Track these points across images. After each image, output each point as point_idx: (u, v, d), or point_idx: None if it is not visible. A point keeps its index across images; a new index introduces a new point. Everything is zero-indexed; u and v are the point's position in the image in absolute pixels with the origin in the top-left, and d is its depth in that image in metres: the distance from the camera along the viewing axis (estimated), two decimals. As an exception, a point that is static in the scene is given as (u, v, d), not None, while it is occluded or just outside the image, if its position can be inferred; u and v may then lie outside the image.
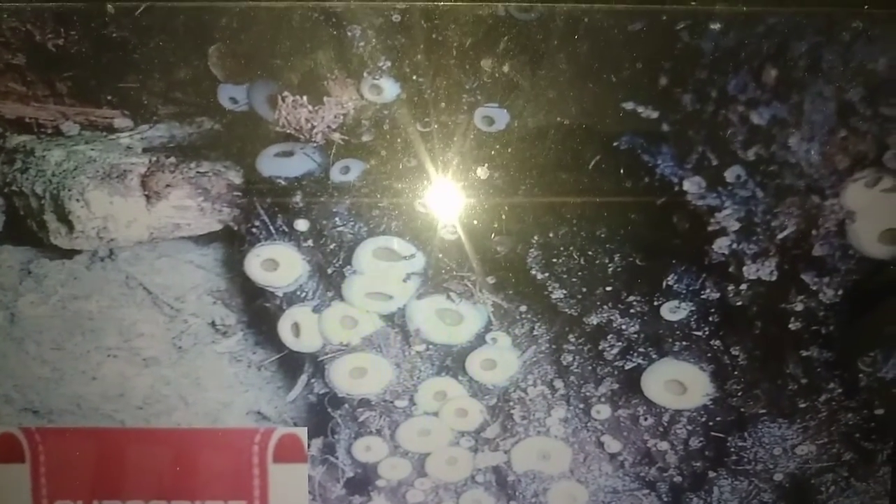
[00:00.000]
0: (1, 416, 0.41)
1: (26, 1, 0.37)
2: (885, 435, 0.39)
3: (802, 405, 0.39)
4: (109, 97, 0.38)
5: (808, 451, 0.40)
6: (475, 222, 0.38)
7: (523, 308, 0.39)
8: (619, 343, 0.39)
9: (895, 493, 0.40)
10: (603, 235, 0.38)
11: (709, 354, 0.39)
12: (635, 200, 0.37)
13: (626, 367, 0.39)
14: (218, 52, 0.37)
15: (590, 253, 0.38)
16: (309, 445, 0.41)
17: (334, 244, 0.39)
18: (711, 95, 0.36)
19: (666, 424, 0.40)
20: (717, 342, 0.39)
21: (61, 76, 0.38)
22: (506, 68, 0.37)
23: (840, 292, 0.37)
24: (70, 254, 0.40)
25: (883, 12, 0.35)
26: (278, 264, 0.39)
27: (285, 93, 0.37)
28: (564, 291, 0.38)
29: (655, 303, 0.38)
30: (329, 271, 0.39)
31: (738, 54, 0.36)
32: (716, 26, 0.36)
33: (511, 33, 0.36)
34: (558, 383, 0.40)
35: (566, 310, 0.39)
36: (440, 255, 0.39)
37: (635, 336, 0.39)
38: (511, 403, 0.40)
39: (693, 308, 0.38)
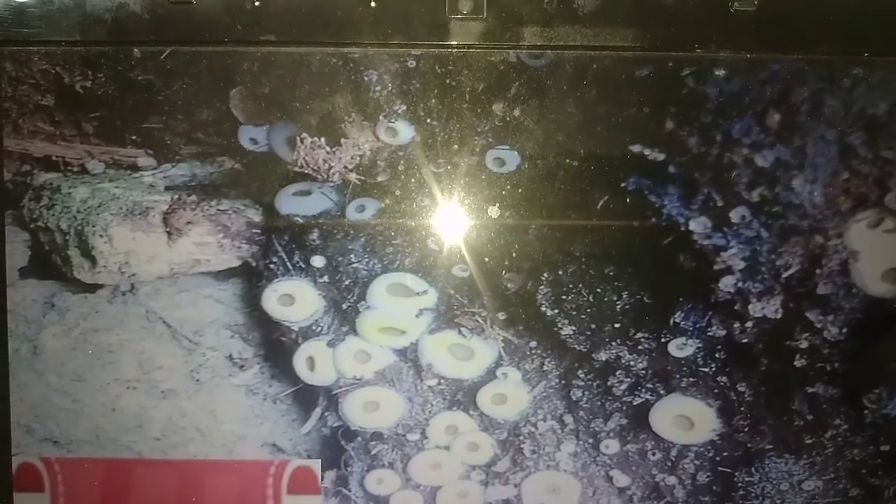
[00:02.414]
0: (21, 446, 0.42)
1: (56, 45, 0.39)
2: (891, 471, 0.40)
3: (809, 441, 0.39)
4: (134, 137, 0.39)
5: (814, 486, 0.40)
6: (486, 260, 0.39)
7: (533, 344, 0.40)
8: (628, 379, 0.40)
9: (902, 529, 0.40)
10: (611, 273, 0.39)
11: (716, 390, 0.39)
12: (642, 239, 0.38)
13: (635, 403, 0.40)
14: (239, 95, 0.39)
15: (598, 290, 0.39)
16: (322, 478, 0.42)
17: (349, 280, 0.40)
18: (716, 139, 0.37)
19: (674, 459, 0.40)
20: (724, 378, 0.39)
21: (88, 117, 0.39)
22: (517, 112, 0.38)
23: (844, 330, 0.38)
24: (92, 288, 0.41)
25: (882, 60, 0.36)
26: (295, 299, 0.40)
27: (304, 134, 0.38)
28: (574, 328, 0.39)
29: (663, 340, 0.39)
30: (344, 306, 0.40)
31: (742, 99, 0.37)
32: (720, 72, 0.37)
33: (522, 79, 0.38)
34: (568, 418, 0.41)
35: (575, 346, 0.40)
36: (452, 292, 0.39)
37: (643, 372, 0.39)
38: (521, 438, 0.41)
39: (700, 345, 0.39)
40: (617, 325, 0.39)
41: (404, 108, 0.38)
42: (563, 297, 0.39)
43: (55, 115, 0.40)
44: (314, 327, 0.40)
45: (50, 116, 0.40)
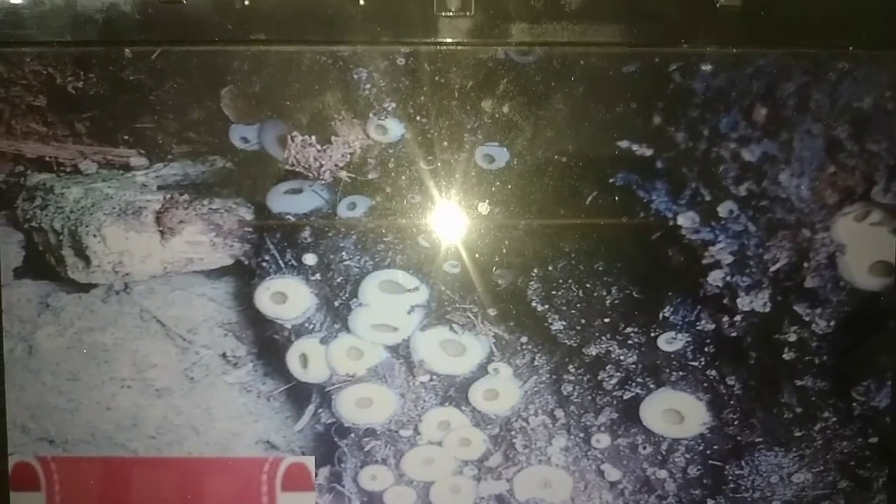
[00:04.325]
0: (17, 445, 0.42)
1: (48, 46, 0.39)
2: (879, 463, 0.40)
3: (798, 434, 0.40)
4: (126, 137, 0.39)
5: (804, 478, 0.40)
6: (477, 256, 0.39)
7: (524, 339, 0.40)
8: (618, 373, 0.40)
9: (890, 520, 0.40)
10: (601, 268, 0.39)
11: (705, 384, 0.39)
12: (631, 234, 0.38)
13: (625, 397, 0.40)
14: (230, 94, 0.39)
15: (588, 285, 0.39)
16: (316, 474, 0.42)
17: (341, 277, 0.40)
18: (703, 133, 0.37)
19: (664, 453, 0.41)
20: (713, 372, 0.39)
21: (80, 117, 0.39)
22: (505, 109, 0.38)
23: (832, 323, 0.38)
24: (86, 287, 0.41)
25: (867, 53, 0.37)
26: (287, 297, 0.40)
27: (294, 133, 0.39)
28: (564, 323, 0.40)
29: (652, 334, 0.39)
30: (336, 304, 0.40)
31: (728, 94, 0.37)
32: (707, 67, 0.37)
33: (510, 75, 0.38)
34: (559, 413, 0.41)
35: (566, 341, 0.40)
36: (443, 288, 0.40)
37: (633, 366, 0.40)
38: (513, 433, 0.41)
39: (689, 339, 0.39)
40: (607, 320, 0.39)
41: (394, 105, 0.38)
42: (554, 292, 0.39)
43: (48, 116, 0.40)
44: (307, 325, 0.41)
45: (42, 117, 0.40)
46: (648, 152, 0.37)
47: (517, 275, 0.39)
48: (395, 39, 0.38)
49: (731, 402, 0.39)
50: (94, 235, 0.40)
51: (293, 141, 0.39)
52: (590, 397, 0.41)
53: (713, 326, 0.39)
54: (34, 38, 0.39)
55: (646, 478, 0.41)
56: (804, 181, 0.37)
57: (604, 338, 0.39)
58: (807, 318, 0.38)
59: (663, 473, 0.41)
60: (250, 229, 0.40)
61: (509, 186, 0.39)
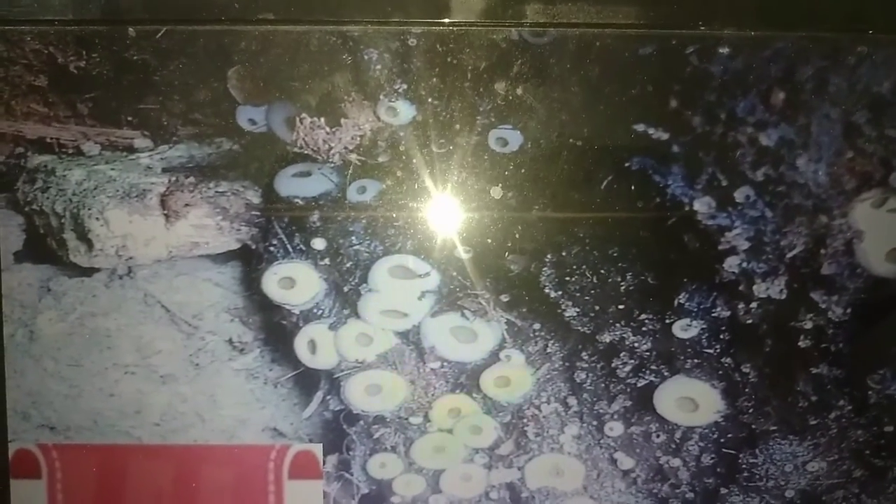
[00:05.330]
0: (18, 432, 0.41)
1: (49, 24, 0.38)
2: (895, 452, 0.40)
3: (813, 422, 0.39)
4: (130, 118, 0.39)
5: (818, 467, 0.40)
6: (489, 241, 0.39)
7: (537, 326, 0.40)
8: (632, 361, 0.39)
9: (906, 509, 0.40)
10: (615, 254, 0.38)
11: (720, 372, 0.39)
12: (646, 220, 0.38)
13: (639, 385, 0.40)
14: (237, 75, 0.38)
15: (602, 271, 0.39)
16: (324, 462, 0.41)
17: (350, 262, 0.39)
18: (720, 117, 0.37)
19: (678, 441, 0.40)
20: (728, 360, 0.39)
21: (83, 97, 0.39)
22: (519, 91, 0.37)
23: (849, 310, 0.38)
24: (89, 272, 0.40)
25: (887, 37, 0.36)
26: (295, 282, 0.40)
27: (303, 114, 0.38)
28: (577, 309, 0.39)
29: (667, 321, 0.39)
30: (345, 289, 0.40)
31: (746, 77, 0.36)
32: (724, 50, 0.36)
33: (524, 57, 0.37)
34: (572, 400, 0.41)
35: (579, 328, 0.39)
36: (454, 274, 0.39)
37: (647, 354, 0.39)
38: (525, 420, 0.41)
39: (704, 326, 0.39)
40: (621, 307, 0.39)
41: (405, 87, 0.38)
42: (567, 278, 0.39)
43: (49, 96, 0.39)
44: (315, 310, 0.40)
45: (44, 97, 0.39)
46: (664, 136, 0.37)
47: (530, 260, 0.39)
48: (406, 19, 0.37)
49: (746, 390, 0.39)
50: (97, 218, 0.39)
51: (302, 123, 0.38)
52: (603, 385, 0.40)
53: (728, 313, 0.38)
54: (35, 16, 0.38)
55: (659, 466, 0.41)
56: (822, 166, 0.37)
57: (618, 325, 0.39)
58: (823, 306, 0.38)
59: (677, 462, 0.41)
60: (257, 213, 0.39)
61: (522, 170, 0.38)
